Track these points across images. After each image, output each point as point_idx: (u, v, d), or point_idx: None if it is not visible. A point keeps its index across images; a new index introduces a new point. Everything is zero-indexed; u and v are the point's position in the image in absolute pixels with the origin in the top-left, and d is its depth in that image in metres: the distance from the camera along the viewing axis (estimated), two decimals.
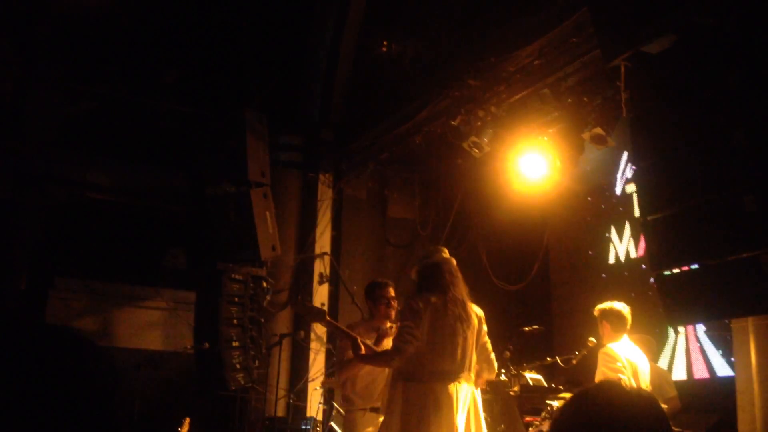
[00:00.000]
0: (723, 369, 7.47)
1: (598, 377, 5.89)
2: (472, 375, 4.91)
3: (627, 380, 5.73)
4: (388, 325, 5.74)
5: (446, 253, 5.12)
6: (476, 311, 5.02)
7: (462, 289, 4.99)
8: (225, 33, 9.83)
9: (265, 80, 9.82)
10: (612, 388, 1.64)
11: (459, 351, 4.82)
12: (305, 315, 6.16)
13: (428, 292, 4.92)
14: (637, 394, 1.62)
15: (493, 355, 5.10)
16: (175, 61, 9.79)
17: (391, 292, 5.80)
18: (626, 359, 5.91)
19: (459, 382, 4.79)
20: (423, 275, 5.05)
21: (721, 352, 7.49)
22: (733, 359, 6.76)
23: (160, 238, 9.86)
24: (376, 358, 5.26)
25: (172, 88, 9.62)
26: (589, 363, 6.38)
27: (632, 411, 1.57)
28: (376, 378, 5.49)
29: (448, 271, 4.99)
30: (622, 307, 6.13)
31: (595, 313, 6.25)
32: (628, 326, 6.09)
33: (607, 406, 1.58)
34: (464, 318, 4.89)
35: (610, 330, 6.10)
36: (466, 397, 4.80)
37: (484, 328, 5.04)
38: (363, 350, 5.19)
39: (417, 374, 4.78)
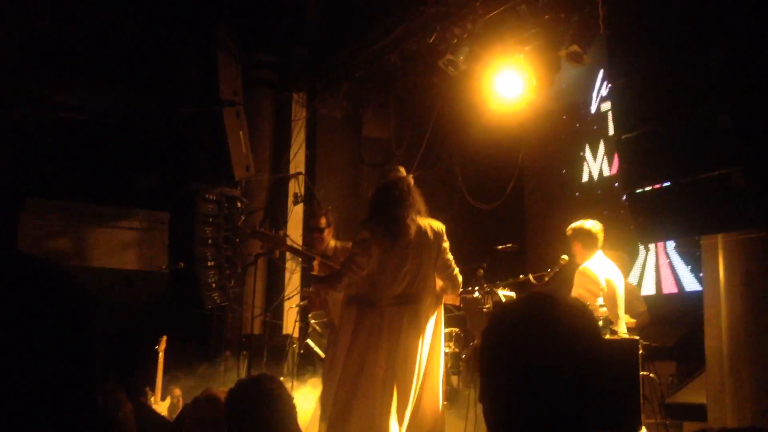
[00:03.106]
0: (691, 284, 7.65)
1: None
2: (430, 296, 4.84)
3: (603, 302, 5.83)
4: (333, 245, 5.86)
5: (402, 172, 4.97)
6: (434, 227, 4.85)
7: (410, 208, 4.79)
8: None
9: None
10: (544, 298, 1.64)
11: (410, 275, 4.75)
12: (264, 242, 6.14)
13: (377, 218, 4.83)
14: (569, 306, 1.61)
15: (456, 271, 4.94)
16: None
17: (320, 222, 5.93)
18: (604, 278, 5.98)
19: (411, 305, 4.74)
20: (375, 198, 4.95)
21: (690, 267, 7.66)
22: (701, 275, 6.92)
23: (133, 158, 9.74)
24: (321, 281, 5.34)
25: (141, 6, 9.35)
26: (562, 280, 6.49)
27: (563, 322, 1.56)
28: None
29: (397, 190, 4.80)
30: (592, 225, 6.17)
31: (568, 232, 6.31)
32: (600, 244, 6.16)
33: (536, 316, 1.58)
34: (415, 240, 4.76)
35: (582, 248, 6.15)
36: (421, 320, 4.76)
37: (445, 244, 4.87)
38: (316, 271, 5.22)
39: (368, 298, 4.78)
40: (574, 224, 6.27)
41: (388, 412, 4.57)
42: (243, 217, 8.74)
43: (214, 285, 8.12)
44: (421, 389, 4.74)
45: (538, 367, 1.51)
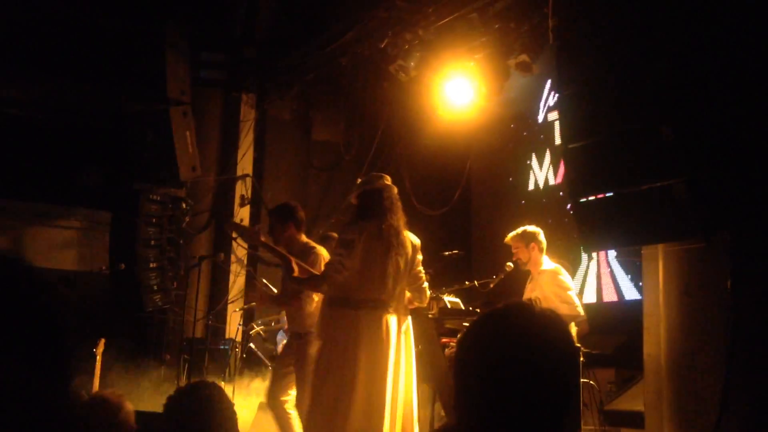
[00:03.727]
0: (630, 293, 7.79)
1: (552, 299, 5.97)
2: (402, 305, 4.92)
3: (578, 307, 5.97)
4: (303, 240, 5.79)
5: (388, 180, 5.06)
6: (412, 240, 5.00)
7: (399, 217, 4.95)
8: None
9: None
10: (521, 309, 1.64)
11: (390, 280, 4.82)
12: (240, 235, 6.10)
13: (364, 221, 4.88)
14: (545, 316, 1.62)
15: (425, 285, 5.11)
16: None
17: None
18: None
19: (388, 312, 4.80)
20: (362, 201, 5.00)
21: (630, 276, 7.80)
22: (641, 283, 7.05)
23: (75, 155, 9.51)
24: (305, 282, 5.27)
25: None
26: (507, 287, 6.53)
27: (540, 332, 1.57)
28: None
29: (387, 198, 4.94)
30: (540, 230, 6.28)
31: (518, 237, 6.24)
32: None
33: (514, 327, 1.58)
34: (398, 247, 4.86)
35: (539, 252, 6.18)
36: (396, 327, 4.81)
37: (419, 257, 5.03)
38: (296, 272, 5.15)
39: (347, 302, 4.79)
40: (528, 228, 6.27)
41: (370, 415, 4.60)
42: (187, 219, 8.62)
43: (156, 287, 8.00)
44: (396, 398, 4.75)
45: (515, 378, 1.51)
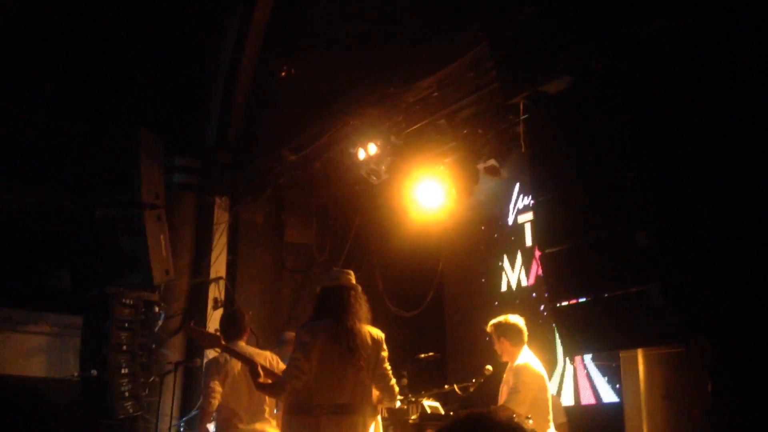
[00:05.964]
0: (608, 395, 7.78)
1: (520, 397, 5.56)
2: (369, 406, 4.76)
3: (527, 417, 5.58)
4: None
5: (352, 276, 4.99)
6: (374, 335, 4.84)
7: (359, 316, 4.82)
8: (121, 49, 9.56)
9: (161, 100, 9.62)
10: (480, 420, 1.66)
11: (349, 384, 4.67)
12: (199, 340, 6.00)
13: (319, 320, 4.78)
14: (507, 426, 1.63)
15: (393, 381, 4.91)
16: (66, 76, 9.44)
17: None
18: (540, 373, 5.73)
19: (349, 416, 4.63)
20: (321, 297, 4.91)
21: (606, 378, 7.81)
22: (618, 386, 7.06)
23: (44, 259, 9.42)
24: (268, 388, 5.11)
25: (61, 104, 9.27)
26: (487, 390, 6.44)
27: None
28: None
29: (346, 296, 4.84)
30: (516, 319, 5.93)
31: (489, 329, 6.00)
32: (526, 338, 5.91)
33: None
34: (356, 348, 4.71)
35: (510, 345, 5.85)
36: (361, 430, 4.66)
37: (383, 353, 4.86)
38: (261, 377, 5.01)
39: (304, 407, 4.65)
40: (496, 320, 5.97)
41: None
42: (160, 323, 8.52)
43: (127, 394, 7.80)
44: None
45: None
